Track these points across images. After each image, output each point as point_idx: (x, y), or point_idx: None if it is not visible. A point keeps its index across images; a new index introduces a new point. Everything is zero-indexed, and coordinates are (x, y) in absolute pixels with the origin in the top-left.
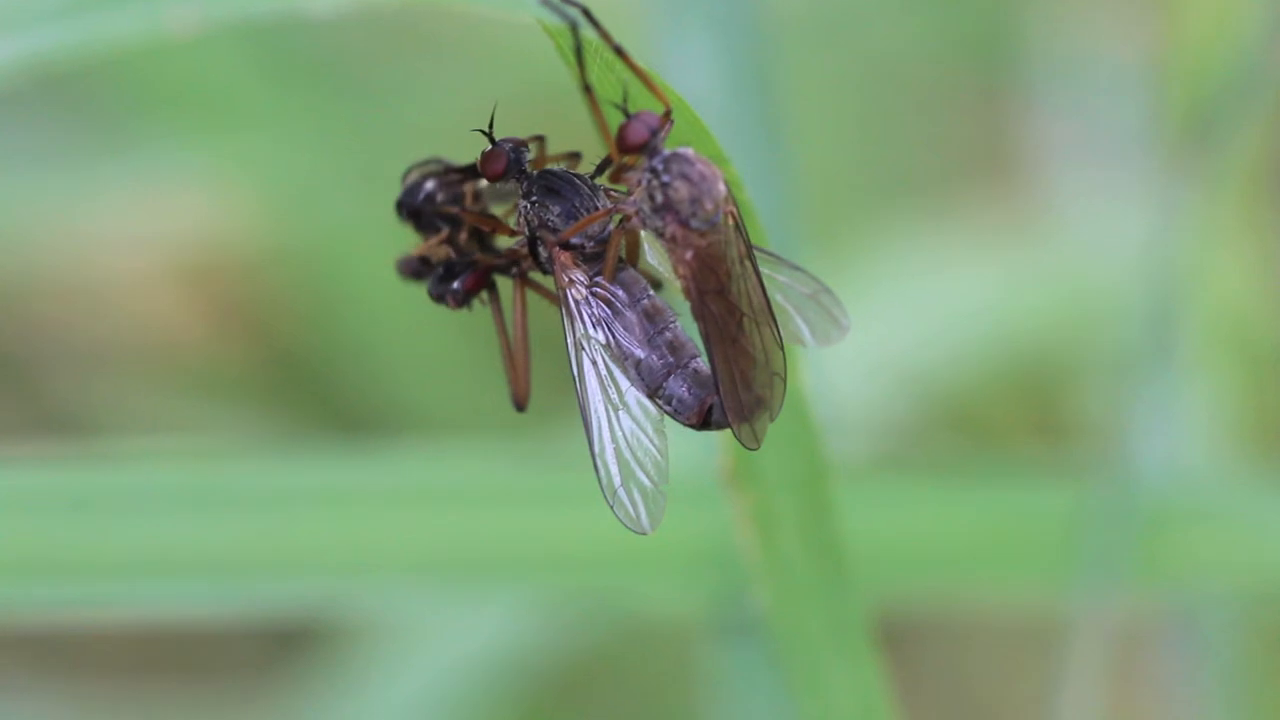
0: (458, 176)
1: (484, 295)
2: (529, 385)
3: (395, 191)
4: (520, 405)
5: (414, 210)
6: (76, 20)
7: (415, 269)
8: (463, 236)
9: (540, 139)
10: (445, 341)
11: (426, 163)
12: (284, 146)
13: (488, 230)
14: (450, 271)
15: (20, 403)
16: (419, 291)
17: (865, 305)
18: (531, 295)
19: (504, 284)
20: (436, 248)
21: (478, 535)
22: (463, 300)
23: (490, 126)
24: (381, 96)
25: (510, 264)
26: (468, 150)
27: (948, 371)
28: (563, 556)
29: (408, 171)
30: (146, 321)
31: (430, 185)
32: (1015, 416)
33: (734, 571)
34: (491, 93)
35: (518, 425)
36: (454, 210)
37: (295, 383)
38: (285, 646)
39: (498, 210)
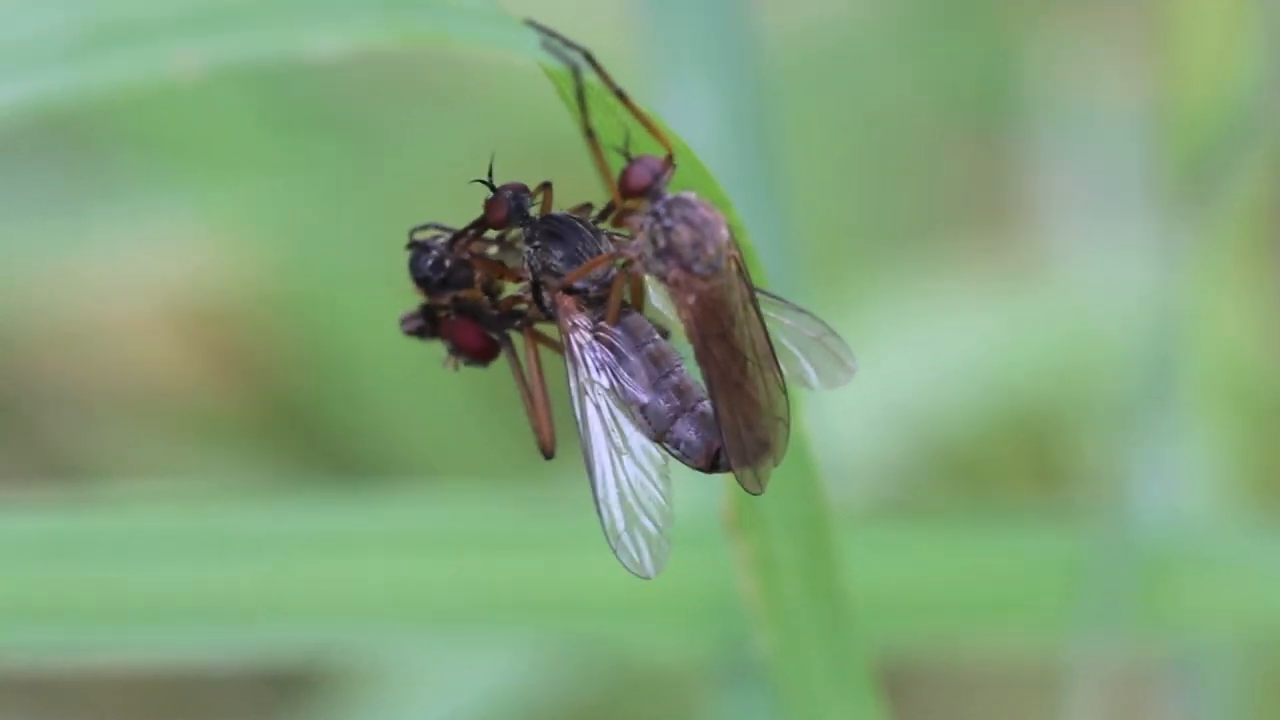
0: (465, 238)
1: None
2: (554, 432)
3: (395, 236)
4: (548, 453)
5: (427, 279)
6: (77, 64)
7: (419, 326)
8: (474, 289)
9: (547, 185)
10: (445, 387)
11: (425, 228)
12: (283, 191)
13: (495, 276)
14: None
15: (15, 448)
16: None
17: (865, 351)
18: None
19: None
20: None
21: (478, 581)
22: (475, 358)
23: (490, 175)
24: (382, 142)
25: (515, 315)
26: (468, 196)
27: (947, 417)
28: (564, 602)
29: (410, 243)
30: (143, 367)
31: (436, 253)
32: (1015, 463)
33: (736, 617)
34: (492, 138)
35: (517, 470)
36: (463, 258)
37: (292, 428)
38: (283, 692)
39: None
